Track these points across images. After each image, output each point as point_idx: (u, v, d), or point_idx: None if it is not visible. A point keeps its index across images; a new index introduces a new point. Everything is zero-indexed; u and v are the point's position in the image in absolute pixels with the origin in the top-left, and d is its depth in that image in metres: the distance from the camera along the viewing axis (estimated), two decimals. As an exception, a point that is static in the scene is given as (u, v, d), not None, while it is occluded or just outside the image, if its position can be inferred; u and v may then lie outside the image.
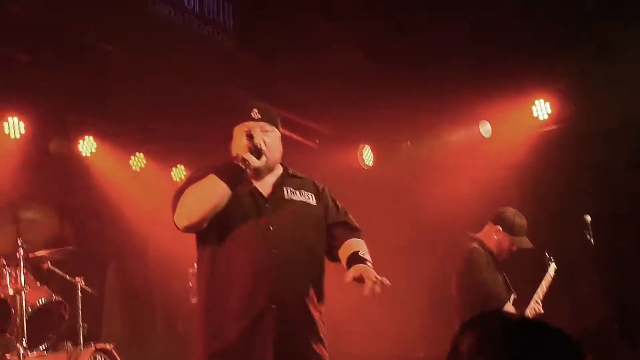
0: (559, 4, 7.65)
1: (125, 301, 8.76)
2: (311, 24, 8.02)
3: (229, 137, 4.01)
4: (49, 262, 7.41)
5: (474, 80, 8.71)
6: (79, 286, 7.44)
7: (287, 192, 4.00)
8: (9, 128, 7.79)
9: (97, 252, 8.38)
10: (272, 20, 7.73)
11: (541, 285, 6.22)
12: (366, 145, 10.06)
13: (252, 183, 3.92)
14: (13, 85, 7.52)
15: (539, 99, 8.96)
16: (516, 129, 9.27)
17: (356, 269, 3.77)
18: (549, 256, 6.40)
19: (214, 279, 3.82)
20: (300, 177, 4.15)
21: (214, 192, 3.69)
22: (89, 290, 7.60)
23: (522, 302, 6.08)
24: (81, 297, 7.43)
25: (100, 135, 8.73)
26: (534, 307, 6.07)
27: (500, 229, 6.10)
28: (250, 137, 3.78)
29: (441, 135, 9.68)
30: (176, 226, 3.77)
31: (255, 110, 3.94)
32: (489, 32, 8.19)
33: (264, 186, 3.96)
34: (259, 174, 3.94)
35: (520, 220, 6.16)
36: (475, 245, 6.08)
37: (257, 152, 3.79)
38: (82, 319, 7.33)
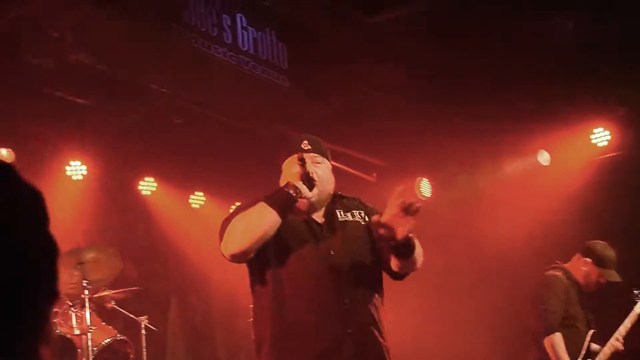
0: (615, 29, 7.57)
1: (187, 338, 8.83)
2: (363, 62, 8.05)
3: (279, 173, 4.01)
4: (113, 302, 7.55)
5: (531, 110, 8.68)
6: (143, 325, 7.57)
7: (340, 214, 3.94)
8: (71, 170, 7.98)
9: (160, 290, 8.48)
10: (324, 61, 7.78)
11: (625, 322, 6.12)
12: (423, 178, 10.04)
13: (305, 214, 3.87)
14: (75, 128, 7.71)
15: (597, 127, 8.89)
16: (575, 157, 9.20)
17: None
18: (638, 292, 6.28)
19: (278, 310, 3.70)
20: (349, 198, 4.07)
21: (263, 219, 3.60)
22: (153, 328, 7.73)
23: (605, 337, 6.04)
24: (145, 335, 7.56)
25: (160, 174, 8.87)
26: (613, 344, 6.01)
27: (590, 261, 6.10)
28: (302, 161, 3.70)
29: (499, 165, 9.62)
30: (223, 255, 3.69)
31: (305, 141, 3.90)
32: (547, 62, 8.15)
33: (317, 214, 3.90)
34: (313, 209, 3.88)
35: (610, 253, 6.15)
36: (556, 273, 6.10)
37: (309, 181, 3.71)
38: (146, 357, 7.45)
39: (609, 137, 8.86)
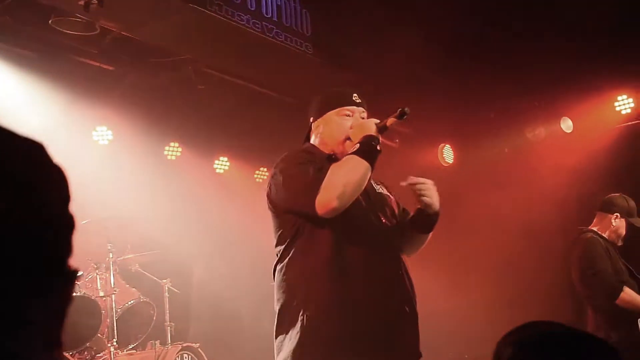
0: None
1: (211, 301, 8.96)
2: (387, 28, 8.06)
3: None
4: (137, 265, 7.71)
5: (555, 77, 8.67)
6: (166, 287, 7.72)
7: (374, 185, 3.99)
8: (97, 135, 8.09)
9: (184, 254, 8.60)
10: (348, 28, 7.82)
11: None
12: (447, 145, 10.07)
13: None
14: (101, 94, 7.82)
15: (621, 95, 8.87)
16: (598, 125, 9.19)
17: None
18: None
19: (337, 272, 3.60)
20: None
21: (360, 173, 3.53)
22: (176, 290, 7.88)
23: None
24: (169, 298, 7.72)
25: (185, 140, 8.96)
26: None
27: (617, 215, 6.18)
28: (403, 114, 3.70)
29: (522, 132, 9.62)
30: (312, 210, 3.52)
31: (355, 95, 3.92)
32: (571, 30, 8.13)
33: None
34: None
35: (632, 203, 6.26)
36: (592, 235, 6.16)
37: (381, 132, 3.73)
38: (169, 319, 7.60)
39: (632, 105, 8.84)
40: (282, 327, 3.67)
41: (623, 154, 8.89)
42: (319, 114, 3.96)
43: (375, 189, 3.97)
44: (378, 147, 3.63)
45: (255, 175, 9.98)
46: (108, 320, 6.99)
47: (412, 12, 8.06)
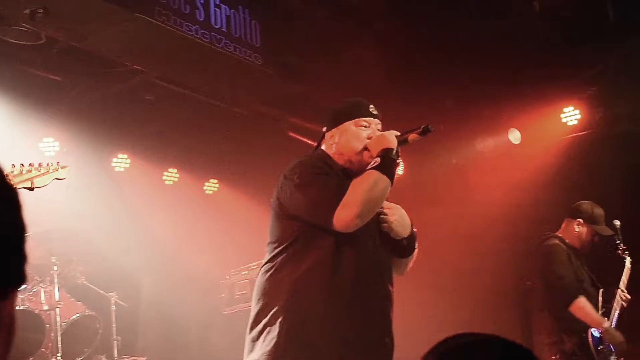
0: (585, 14, 7.66)
1: (159, 314, 8.89)
2: (338, 37, 8.09)
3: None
4: (82, 278, 7.60)
5: (503, 89, 8.77)
6: (113, 300, 7.63)
7: None
8: (44, 146, 7.98)
9: (132, 266, 8.51)
10: (297, 38, 7.82)
11: (622, 278, 6.34)
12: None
13: None
14: (48, 105, 7.72)
15: (568, 106, 8.98)
16: (546, 136, 9.29)
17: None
18: (624, 248, 6.47)
19: (326, 289, 3.58)
20: None
21: (381, 189, 3.52)
22: (123, 304, 7.79)
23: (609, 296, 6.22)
24: (116, 311, 7.63)
25: (134, 151, 8.89)
26: (620, 297, 6.20)
27: (582, 221, 6.24)
28: (427, 131, 3.74)
29: (472, 144, 9.68)
30: (328, 223, 3.52)
31: (372, 106, 3.92)
32: (517, 42, 8.23)
33: None
34: None
35: (599, 210, 6.31)
36: (555, 241, 6.20)
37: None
38: (116, 333, 7.51)
39: (578, 116, 8.95)
40: (258, 329, 3.64)
41: (570, 165, 9.00)
42: (335, 123, 3.91)
43: None
44: (398, 161, 3.65)
45: (205, 187, 9.91)
46: (52, 334, 6.86)
47: (363, 24, 8.10)
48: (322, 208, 3.55)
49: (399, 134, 3.75)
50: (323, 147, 3.98)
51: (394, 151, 3.65)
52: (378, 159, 3.58)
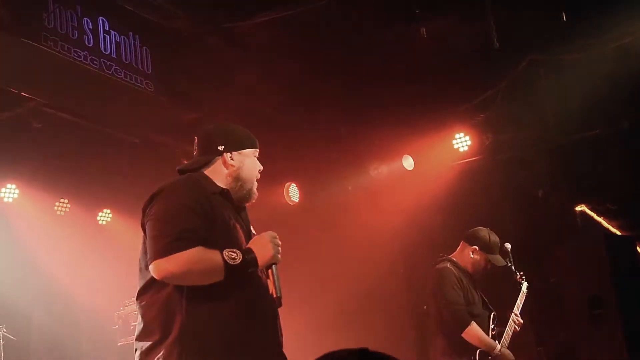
0: (473, 43, 7.85)
1: (51, 347, 8.65)
2: (231, 64, 8.10)
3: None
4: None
5: (396, 116, 8.91)
6: (1, 334, 7.40)
7: (252, 228, 3.85)
8: None
9: (22, 299, 8.28)
10: (189, 65, 7.80)
11: (517, 302, 6.44)
12: (292, 183, 10.13)
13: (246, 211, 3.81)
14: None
15: (459, 132, 9.19)
16: (438, 162, 9.48)
17: None
18: (522, 274, 6.63)
19: (226, 316, 3.45)
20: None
21: (212, 278, 3.38)
22: (12, 337, 7.55)
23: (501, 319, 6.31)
24: (4, 345, 7.39)
25: (23, 181, 8.67)
26: (514, 320, 6.30)
27: (477, 248, 6.25)
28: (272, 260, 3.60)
29: (366, 171, 9.78)
30: (152, 266, 3.45)
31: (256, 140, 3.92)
32: (408, 71, 8.39)
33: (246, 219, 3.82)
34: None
35: (495, 239, 6.32)
36: (446, 265, 6.21)
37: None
38: (5, 367, 7.29)
39: (469, 143, 9.16)
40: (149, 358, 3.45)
41: (461, 191, 9.19)
42: (236, 147, 3.79)
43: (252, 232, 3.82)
44: (252, 269, 3.48)
45: (98, 217, 9.71)
46: None
47: (255, 52, 8.12)
48: (167, 243, 3.44)
49: (276, 236, 3.63)
50: (212, 165, 3.81)
51: (257, 266, 3.51)
52: (239, 259, 3.44)
